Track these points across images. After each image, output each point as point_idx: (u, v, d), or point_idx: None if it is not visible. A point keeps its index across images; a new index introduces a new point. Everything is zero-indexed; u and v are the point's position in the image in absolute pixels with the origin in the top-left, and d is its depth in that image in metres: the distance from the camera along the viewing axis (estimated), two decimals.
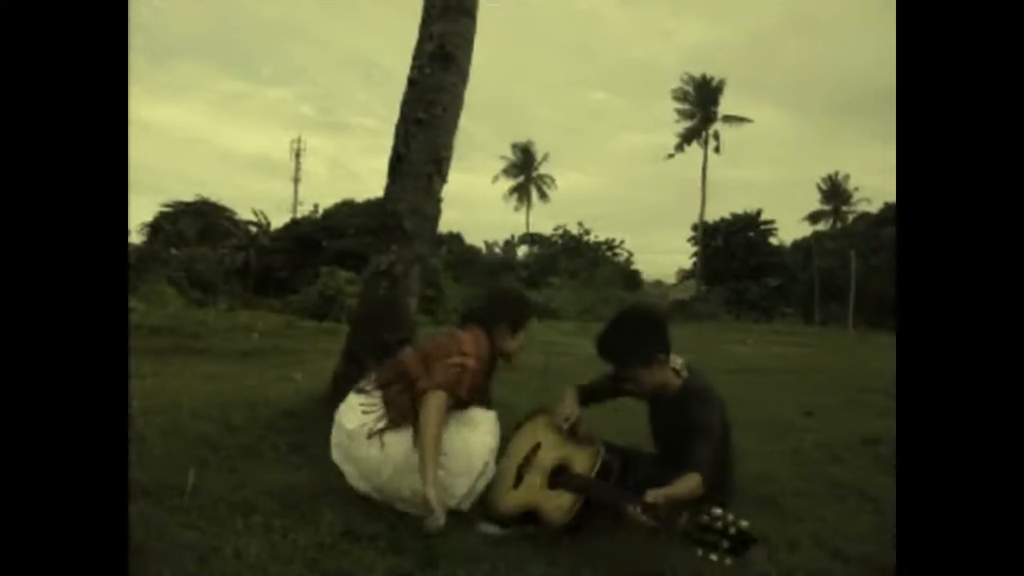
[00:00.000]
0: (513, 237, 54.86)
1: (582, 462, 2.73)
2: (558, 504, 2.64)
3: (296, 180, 55.17)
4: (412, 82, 4.52)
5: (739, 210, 47.56)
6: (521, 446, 3.00)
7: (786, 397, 7.10)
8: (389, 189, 4.42)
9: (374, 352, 4.31)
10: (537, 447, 2.92)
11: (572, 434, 2.90)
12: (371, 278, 4.40)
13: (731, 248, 45.49)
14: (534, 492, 2.73)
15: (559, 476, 2.74)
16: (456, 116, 4.53)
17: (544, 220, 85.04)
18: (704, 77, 48.37)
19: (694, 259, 48.23)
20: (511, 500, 2.79)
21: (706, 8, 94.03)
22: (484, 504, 2.82)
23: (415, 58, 4.57)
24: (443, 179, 4.45)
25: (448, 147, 4.47)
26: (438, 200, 4.46)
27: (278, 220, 47.11)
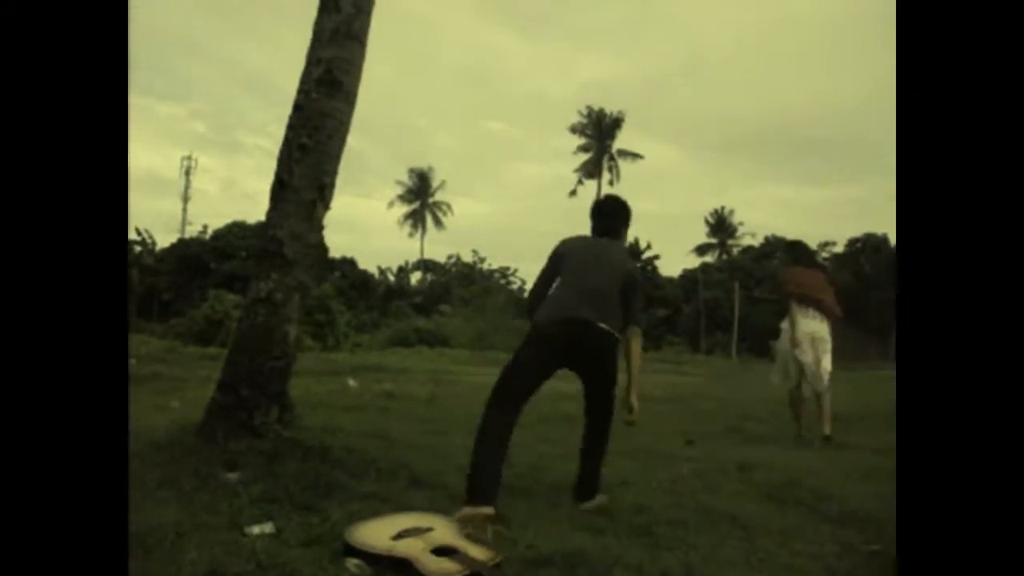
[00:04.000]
0: (407, 263, 54.68)
1: (479, 554, 2.69)
2: (441, 566, 2.58)
3: (186, 199, 53.33)
4: (298, 107, 4.46)
5: (630, 241, 48.83)
6: (410, 519, 2.96)
7: (669, 425, 7.25)
8: (270, 215, 4.32)
9: (251, 382, 4.18)
10: (430, 528, 2.86)
11: (470, 537, 2.86)
12: (250, 305, 4.28)
13: None
14: (416, 551, 2.66)
15: (448, 553, 2.68)
16: (342, 143, 4.48)
17: (439, 247, 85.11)
18: (602, 112, 49.70)
19: None
20: (388, 544, 2.71)
21: (603, 46, 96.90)
22: (351, 540, 2.75)
23: (302, 83, 4.51)
24: (326, 206, 4.38)
25: (332, 174, 4.41)
26: (320, 227, 4.39)
27: (165, 240, 45.45)
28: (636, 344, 3.86)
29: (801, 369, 6.40)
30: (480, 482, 3.36)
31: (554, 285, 3.86)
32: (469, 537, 2.83)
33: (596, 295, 3.73)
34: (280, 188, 4.33)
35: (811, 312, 6.52)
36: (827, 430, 6.28)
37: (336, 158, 4.45)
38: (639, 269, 4.37)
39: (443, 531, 2.83)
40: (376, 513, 3.16)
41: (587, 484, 3.83)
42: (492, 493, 3.33)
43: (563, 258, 3.89)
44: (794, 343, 6.40)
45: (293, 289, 4.25)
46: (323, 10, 4.57)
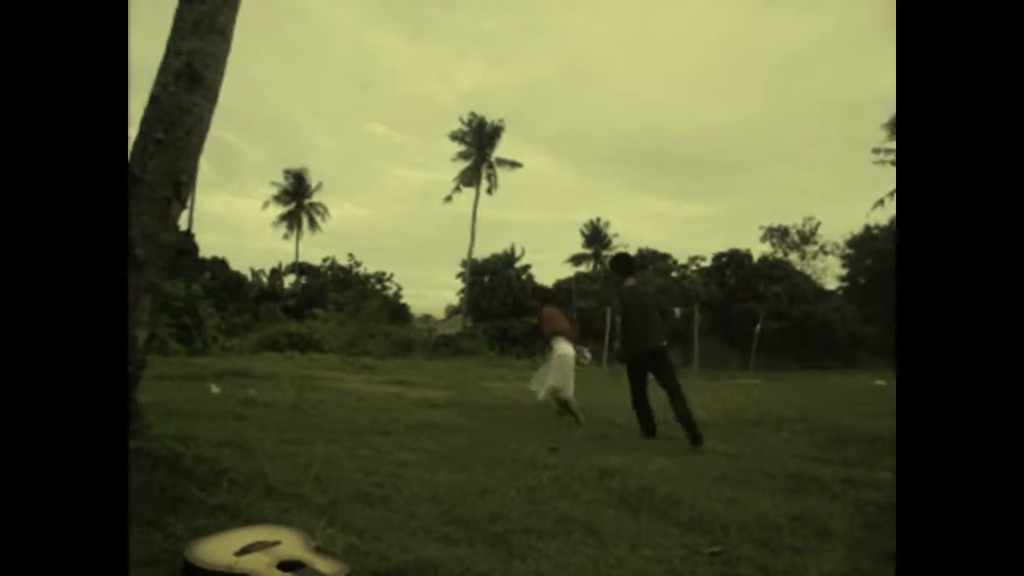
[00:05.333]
0: (281, 265, 53.23)
1: (326, 567, 2.61)
2: None
3: None
4: (154, 99, 4.24)
5: (506, 249, 49.39)
6: (256, 533, 2.85)
7: (535, 433, 7.34)
8: None
9: None
10: (277, 542, 2.77)
11: (319, 550, 2.79)
12: None
13: (495, 286, 46.93)
14: (260, 566, 2.56)
15: (294, 568, 2.59)
16: (201, 139, 4.30)
17: (314, 249, 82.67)
18: (483, 120, 49.94)
19: (462, 295, 49.23)
20: (231, 559, 2.61)
21: (486, 54, 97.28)
22: (191, 557, 2.63)
23: (159, 74, 4.30)
24: (183, 205, 4.19)
25: (190, 171, 4.22)
26: (176, 227, 4.19)
27: None
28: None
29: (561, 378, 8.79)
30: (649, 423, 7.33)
31: (622, 319, 7.54)
32: (318, 550, 2.75)
33: (648, 325, 7.45)
34: (133, 184, 4.10)
35: (566, 340, 9.06)
36: (581, 419, 8.59)
37: (194, 155, 4.26)
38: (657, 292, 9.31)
39: (290, 544, 2.75)
40: (224, 527, 3.04)
41: (693, 435, 6.68)
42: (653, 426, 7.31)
43: (626, 304, 7.53)
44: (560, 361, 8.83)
45: (144, 291, 4.03)
46: (186, 0, 4.39)
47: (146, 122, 4.21)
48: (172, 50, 4.33)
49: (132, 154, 4.17)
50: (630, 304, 7.53)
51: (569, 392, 8.77)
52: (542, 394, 8.91)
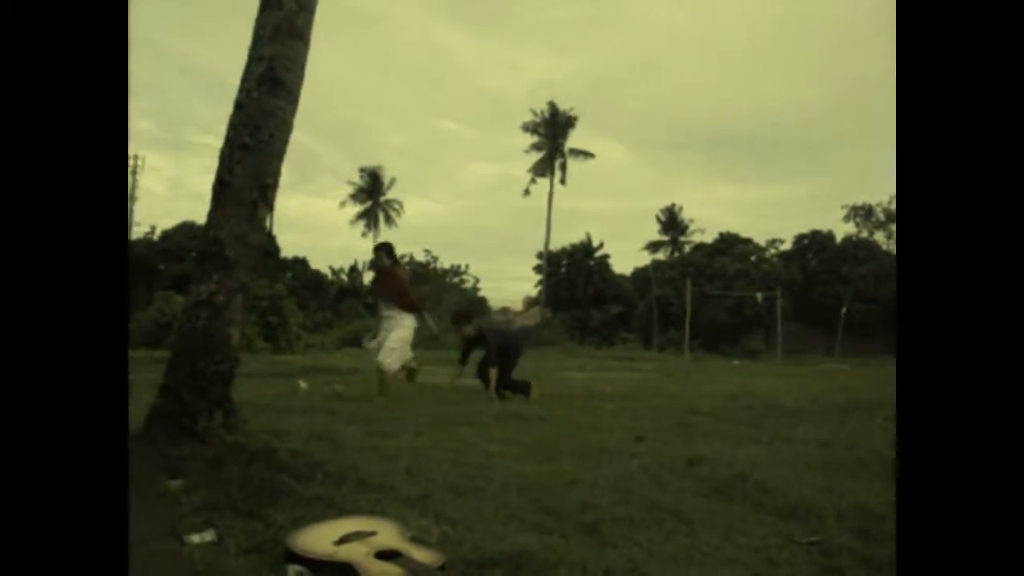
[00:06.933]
0: (358, 263, 54.24)
1: (422, 556, 2.66)
2: (384, 571, 2.54)
3: (132, 199, 52.26)
4: (239, 105, 4.38)
5: (583, 239, 49.23)
6: (353, 523, 2.92)
7: (619, 422, 7.29)
8: (211, 215, 4.23)
9: (193, 386, 4.09)
10: (373, 532, 2.83)
11: (415, 540, 2.84)
12: (191, 308, 4.19)
13: (572, 276, 46.85)
14: (359, 555, 2.63)
15: (391, 557, 2.65)
16: (284, 142, 4.42)
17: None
18: (556, 111, 49.87)
19: (539, 286, 49.29)
20: (330, 549, 2.68)
21: (553, 45, 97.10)
22: (293, 546, 2.70)
23: (243, 81, 4.43)
24: (269, 207, 4.31)
25: (275, 174, 4.34)
26: (263, 228, 4.32)
27: None
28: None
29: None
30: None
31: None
32: (413, 540, 2.80)
33: None
34: (221, 188, 4.25)
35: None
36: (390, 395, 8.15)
37: (279, 158, 4.38)
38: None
39: (387, 535, 2.80)
40: (321, 518, 3.12)
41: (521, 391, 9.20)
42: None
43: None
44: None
45: (235, 291, 4.17)
46: (265, 7, 4.51)
47: (232, 128, 4.35)
48: (254, 57, 4.45)
49: (220, 159, 4.32)
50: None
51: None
52: (395, 364, 8.26)
